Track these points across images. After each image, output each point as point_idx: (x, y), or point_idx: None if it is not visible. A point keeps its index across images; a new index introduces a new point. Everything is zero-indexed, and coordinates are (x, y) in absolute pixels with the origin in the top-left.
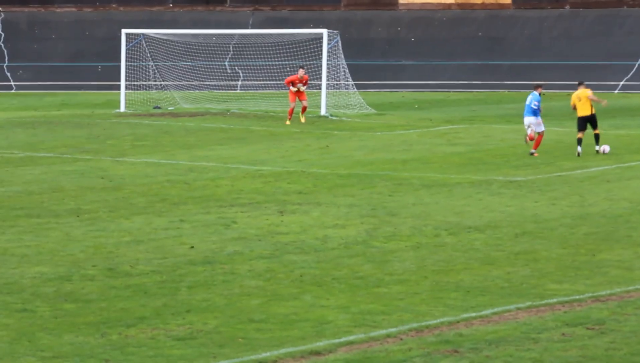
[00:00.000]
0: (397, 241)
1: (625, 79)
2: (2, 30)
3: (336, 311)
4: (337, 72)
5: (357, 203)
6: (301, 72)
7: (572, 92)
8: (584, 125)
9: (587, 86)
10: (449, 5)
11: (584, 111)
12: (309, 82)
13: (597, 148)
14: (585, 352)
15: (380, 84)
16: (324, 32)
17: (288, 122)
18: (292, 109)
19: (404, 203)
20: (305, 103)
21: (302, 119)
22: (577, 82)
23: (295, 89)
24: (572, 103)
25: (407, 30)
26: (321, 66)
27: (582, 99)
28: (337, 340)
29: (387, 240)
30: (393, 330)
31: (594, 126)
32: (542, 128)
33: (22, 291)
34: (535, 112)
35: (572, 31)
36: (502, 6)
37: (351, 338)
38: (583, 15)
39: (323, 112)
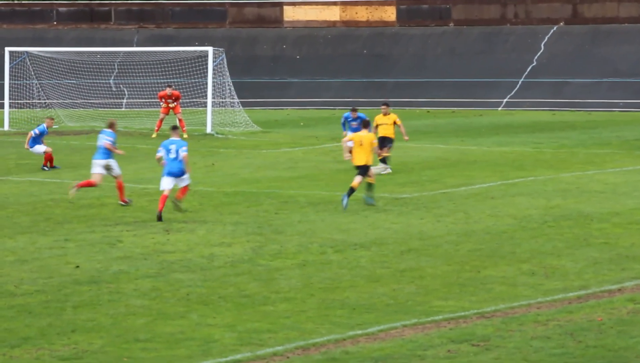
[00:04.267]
0: (283, 259)
1: (509, 96)
2: None
3: (222, 329)
4: (222, 90)
5: (243, 221)
6: (168, 90)
7: (455, 110)
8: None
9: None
10: (334, 23)
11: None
12: (180, 98)
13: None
14: None
15: (266, 102)
16: (209, 49)
17: (154, 135)
18: (161, 121)
19: (290, 220)
20: (179, 116)
21: (185, 135)
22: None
23: (165, 105)
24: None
25: (292, 48)
26: (207, 83)
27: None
28: (223, 359)
29: (273, 258)
30: (279, 348)
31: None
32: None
33: None
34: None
35: (456, 48)
36: (387, 23)
37: (238, 357)
38: (467, 33)
39: (209, 130)
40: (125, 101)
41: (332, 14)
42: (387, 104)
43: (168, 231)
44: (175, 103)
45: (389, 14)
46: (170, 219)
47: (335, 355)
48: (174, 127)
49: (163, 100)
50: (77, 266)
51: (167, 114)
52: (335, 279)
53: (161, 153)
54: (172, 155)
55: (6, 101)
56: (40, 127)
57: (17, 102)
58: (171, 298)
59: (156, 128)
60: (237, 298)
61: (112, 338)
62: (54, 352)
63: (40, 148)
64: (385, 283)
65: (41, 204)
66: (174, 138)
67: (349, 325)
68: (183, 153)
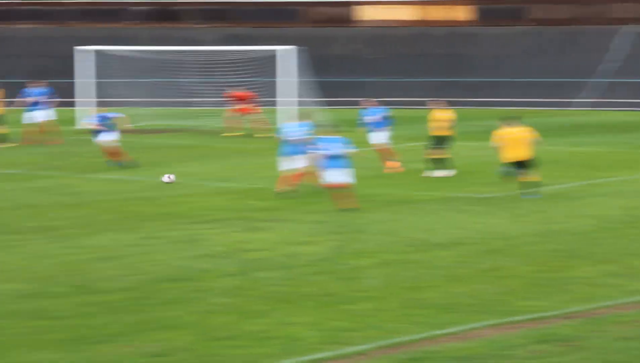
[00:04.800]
0: (365, 258)
1: (586, 96)
2: None
3: (305, 328)
4: (296, 89)
5: (325, 220)
6: (240, 91)
7: (533, 110)
8: None
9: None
10: (409, 22)
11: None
12: (252, 98)
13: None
14: None
15: (339, 101)
16: (283, 48)
17: (237, 133)
18: (235, 120)
19: (371, 219)
20: (252, 117)
21: (260, 135)
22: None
23: (238, 105)
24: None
25: (366, 47)
26: (281, 82)
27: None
28: (306, 358)
29: (355, 257)
30: (362, 347)
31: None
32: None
33: None
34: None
35: (532, 48)
36: (462, 23)
37: (320, 355)
38: (543, 32)
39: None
40: (198, 100)
41: (407, 13)
42: (438, 102)
43: (250, 229)
44: (246, 104)
45: (465, 13)
46: (252, 218)
47: (417, 354)
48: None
49: (235, 100)
50: (161, 264)
51: (242, 113)
52: (417, 278)
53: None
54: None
55: (84, 100)
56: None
57: (96, 101)
58: (254, 296)
59: (232, 127)
60: (319, 297)
61: (196, 335)
62: (139, 349)
63: (107, 136)
64: (466, 282)
65: (124, 202)
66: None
67: (430, 325)
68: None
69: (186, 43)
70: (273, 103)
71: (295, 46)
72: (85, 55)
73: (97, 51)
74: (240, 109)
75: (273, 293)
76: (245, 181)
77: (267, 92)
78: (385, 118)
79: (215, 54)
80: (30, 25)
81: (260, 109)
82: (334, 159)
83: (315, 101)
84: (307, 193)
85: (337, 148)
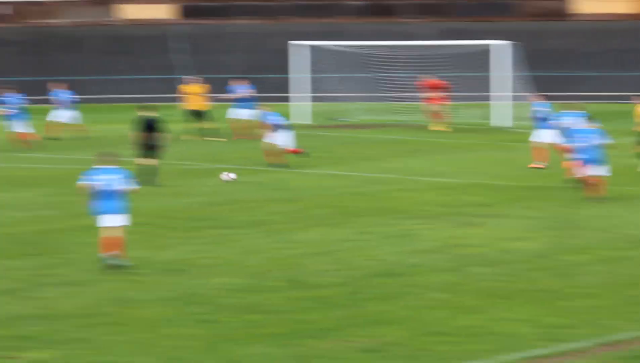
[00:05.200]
0: (583, 254)
1: None
2: (179, 42)
3: (522, 324)
4: (515, 84)
5: (540, 216)
6: (434, 80)
7: None
8: None
9: None
10: (627, 16)
11: None
12: (448, 89)
13: None
14: None
15: (555, 96)
16: (503, 43)
17: (446, 127)
18: (438, 113)
19: (589, 215)
20: (435, 108)
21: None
22: None
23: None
24: None
25: (582, 41)
26: (495, 77)
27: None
28: (523, 354)
29: (573, 253)
30: (580, 344)
31: None
32: None
33: (208, 302)
34: None
35: None
36: None
37: (538, 352)
38: None
39: (509, 123)
40: (414, 94)
41: (625, 6)
42: None
43: (464, 224)
44: (437, 92)
45: None
46: (466, 214)
47: (638, 352)
48: None
49: (429, 88)
50: (374, 259)
51: (439, 103)
52: (635, 275)
53: None
54: None
55: (299, 95)
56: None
57: (311, 96)
58: (468, 292)
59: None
60: (536, 293)
61: (411, 331)
62: (354, 344)
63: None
64: None
65: (336, 197)
66: None
67: None
68: None
69: (400, 38)
70: (487, 98)
71: (509, 40)
72: (299, 50)
73: (312, 46)
74: (431, 99)
75: (487, 289)
76: (459, 177)
77: (480, 87)
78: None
79: (428, 49)
80: (246, 22)
81: (448, 101)
82: (590, 152)
83: (532, 96)
84: (521, 188)
85: (593, 139)
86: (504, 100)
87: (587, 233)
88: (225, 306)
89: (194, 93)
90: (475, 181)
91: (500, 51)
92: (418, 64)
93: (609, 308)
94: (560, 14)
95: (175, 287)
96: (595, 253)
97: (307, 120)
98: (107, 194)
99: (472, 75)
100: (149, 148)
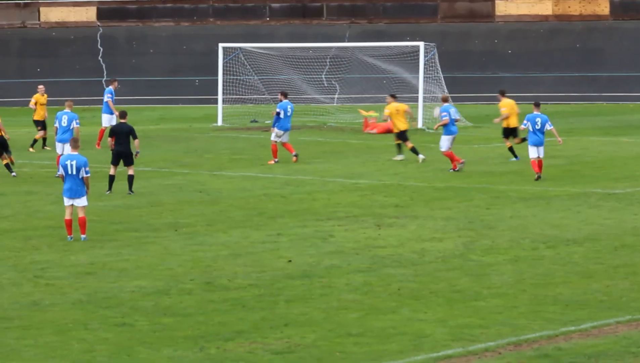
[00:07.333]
0: (495, 255)
1: None
2: (100, 45)
3: (434, 325)
4: (434, 85)
5: (454, 216)
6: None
7: None
8: None
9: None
10: (546, 17)
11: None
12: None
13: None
14: None
15: (477, 97)
16: (421, 44)
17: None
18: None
19: (501, 216)
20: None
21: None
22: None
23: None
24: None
25: (504, 43)
26: (418, 78)
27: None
28: (435, 354)
29: (485, 253)
30: (491, 344)
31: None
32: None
33: (121, 305)
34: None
35: None
36: (600, 17)
37: (449, 352)
38: None
39: (420, 125)
40: (336, 96)
41: (545, 8)
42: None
43: (379, 226)
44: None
45: (603, 7)
46: (381, 215)
47: (548, 351)
48: None
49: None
50: (290, 261)
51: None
52: (548, 275)
53: None
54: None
55: (220, 97)
56: None
57: (231, 98)
58: (383, 293)
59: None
60: (448, 293)
61: (324, 332)
62: (267, 346)
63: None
64: (598, 279)
65: (254, 199)
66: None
67: (561, 322)
68: None
69: (325, 40)
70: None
71: (433, 42)
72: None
73: (240, 48)
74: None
75: (402, 290)
76: (375, 178)
77: (405, 88)
78: None
79: (346, 51)
80: (170, 24)
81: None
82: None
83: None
84: (437, 189)
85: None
86: (426, 101)
87: (500, 233)
88: (139, 309)
89: (41, 103)
90: (390, 182)
91: (423, 51)
92: (337, 66)
93: (521, 308)
94: (483, 15)
95: (88, 290)
96: (507, 253)
97: (218, 122)
98: None
99: (386, 77)
100: None
